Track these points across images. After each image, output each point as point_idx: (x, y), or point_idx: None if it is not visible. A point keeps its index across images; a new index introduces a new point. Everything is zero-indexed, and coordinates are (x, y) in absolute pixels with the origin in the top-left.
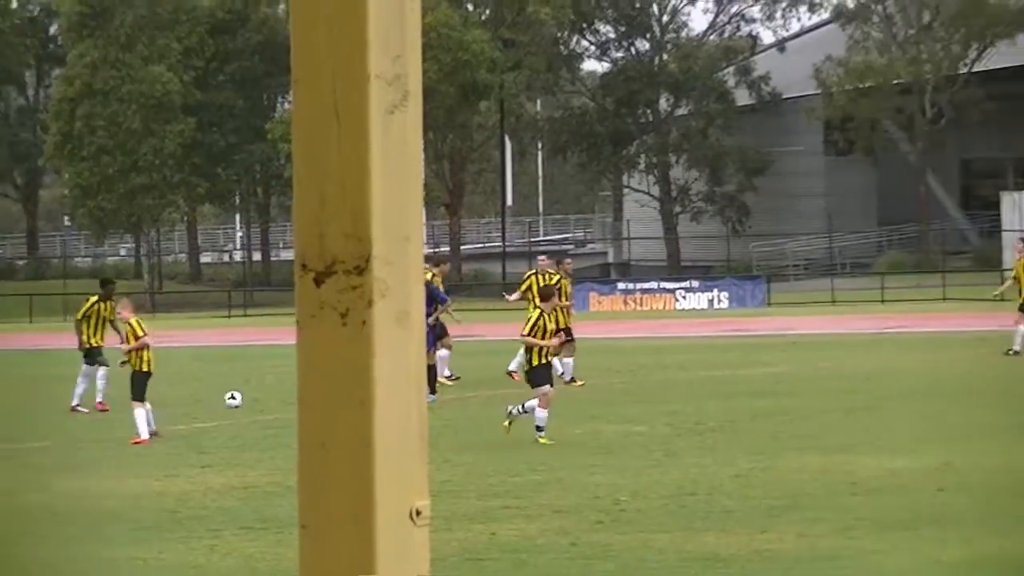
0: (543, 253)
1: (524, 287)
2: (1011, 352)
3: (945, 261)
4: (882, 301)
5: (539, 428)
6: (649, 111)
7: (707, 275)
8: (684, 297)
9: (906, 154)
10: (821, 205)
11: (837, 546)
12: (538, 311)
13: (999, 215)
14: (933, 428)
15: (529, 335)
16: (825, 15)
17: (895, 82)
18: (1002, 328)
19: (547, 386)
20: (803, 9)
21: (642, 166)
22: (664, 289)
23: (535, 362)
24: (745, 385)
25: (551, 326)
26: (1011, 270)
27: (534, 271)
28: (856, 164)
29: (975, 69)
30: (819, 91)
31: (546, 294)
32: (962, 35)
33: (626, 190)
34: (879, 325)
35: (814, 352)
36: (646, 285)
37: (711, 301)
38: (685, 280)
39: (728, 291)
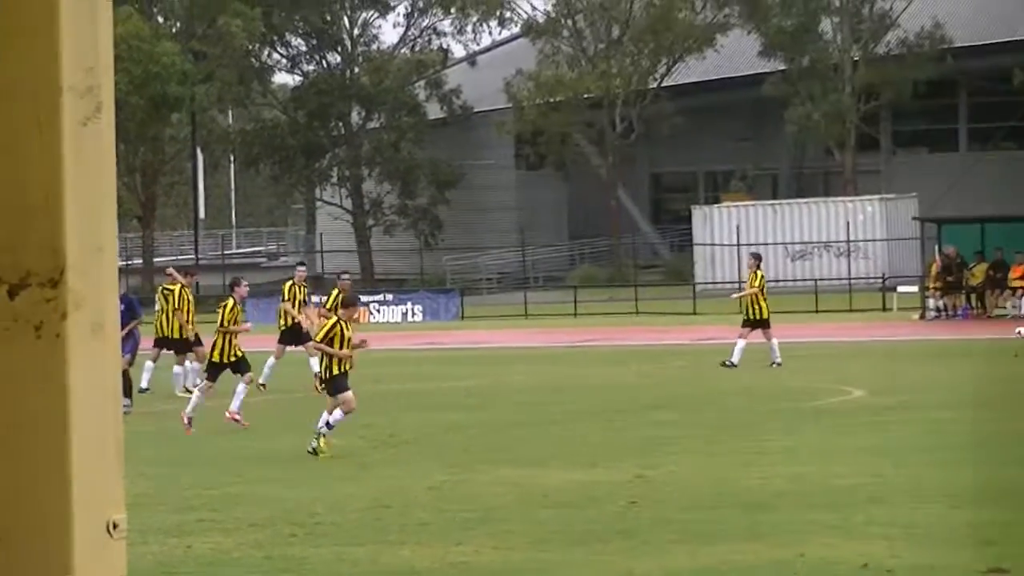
0: (301, 263)
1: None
2: (728, 364)
3: (637, 275)
4: (575, 315)
5: (328, 426)
6: (341, 124)
7: (401, 288)
8: (378, 310)
9: (597, 168)
10: (513, 219)
11: (529, 559)
12: (335, 318)
13: (690, 229)
14: (625, 441)
15: (322, 342)
16: (515, 29)
17: (585, 96)
18: (694, 342)
19: (349, 392)
20: (493, 23)
21: (334, 179)
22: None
23: (335, 371)
24: (439, 398)
25: (348, 334)
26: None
27: (292, 280)
28: (548, 178)
29: (665, 84)
30: (510, 105)
31: (348, 301)
32: (651, 50)
33: (319, 203)
34: (572, 339)
35: (507, 366)
36: None
37: (405, 314)
38: (379, 293)
39: (422, 304)
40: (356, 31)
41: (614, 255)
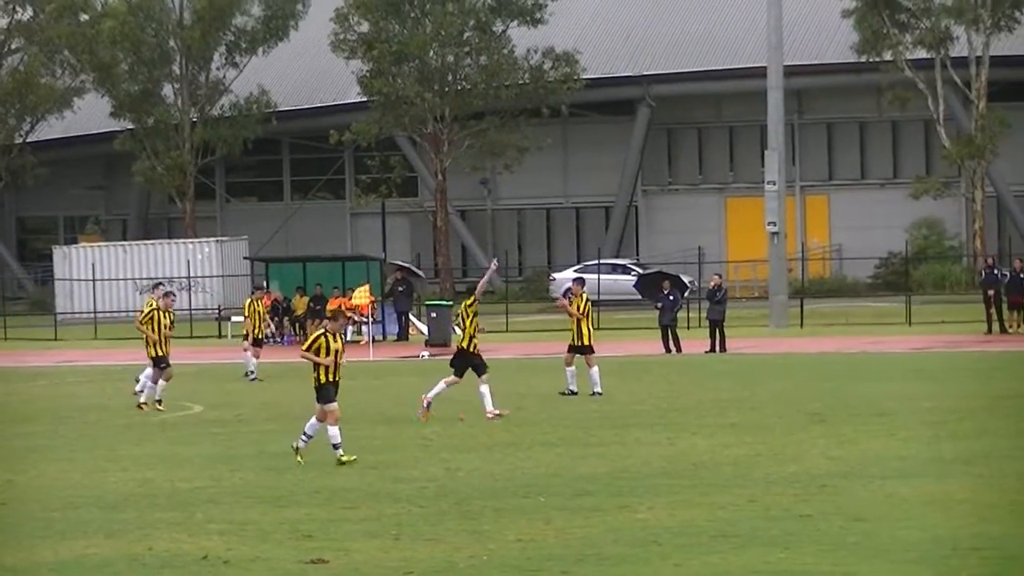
0: (160, 286)
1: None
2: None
3: (5, 306)
4: None
5: (335, 446)
6: None
7: None
8: None
9: None
10: None
11: None
12: (322, 330)
13: (52, 266)
14: None
15: (308, 351)
16: None
17: None
18: (56, 364)
19: (334, 403)
20: None
21: None
22: None
23: (323, 380)
24: None
25: (335, 345)
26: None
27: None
28: None
29: (29, 139)
30: None
31: (335, 314)
32: (17, 110)
33: None
34: None
35: None
36: None
37: None
38: None
39: None
40: None
41: None
